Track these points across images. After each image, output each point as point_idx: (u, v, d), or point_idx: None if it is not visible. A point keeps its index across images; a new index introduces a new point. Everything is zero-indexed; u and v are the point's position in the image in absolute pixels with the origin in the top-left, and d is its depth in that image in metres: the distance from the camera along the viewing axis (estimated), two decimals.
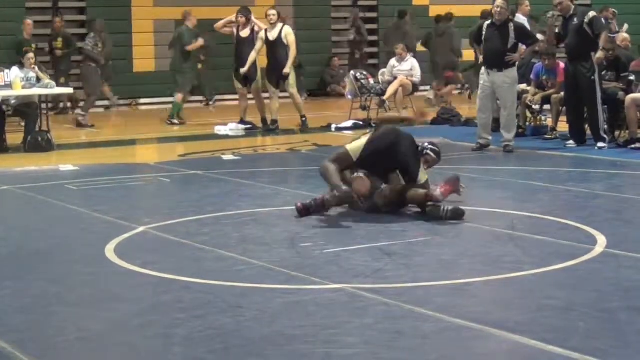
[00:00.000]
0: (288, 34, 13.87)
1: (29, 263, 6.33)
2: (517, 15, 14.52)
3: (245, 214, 7.76)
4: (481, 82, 11.45)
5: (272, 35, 13.87)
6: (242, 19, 14.02)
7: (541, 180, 9.44)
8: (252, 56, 13.93)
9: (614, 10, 17.51)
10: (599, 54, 11.05)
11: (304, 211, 7.52)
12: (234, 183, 9.44)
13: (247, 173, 10.12)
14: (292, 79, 14.05)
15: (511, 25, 11.29)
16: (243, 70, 13.91)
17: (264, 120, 14.38)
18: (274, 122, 14.17)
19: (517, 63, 11.33)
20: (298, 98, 14.27)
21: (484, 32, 11.35)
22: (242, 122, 14.40)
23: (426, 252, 6.44)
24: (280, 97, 14.24)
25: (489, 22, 11.41)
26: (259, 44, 13.94)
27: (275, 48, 13.85)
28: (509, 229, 7.05)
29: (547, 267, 5.92)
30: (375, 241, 6.70)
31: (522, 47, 11.42)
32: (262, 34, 13.98)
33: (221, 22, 14.36)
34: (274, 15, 13.94)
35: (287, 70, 13.81)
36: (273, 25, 13.91)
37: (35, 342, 4.75)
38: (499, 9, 11.15)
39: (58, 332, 4.90)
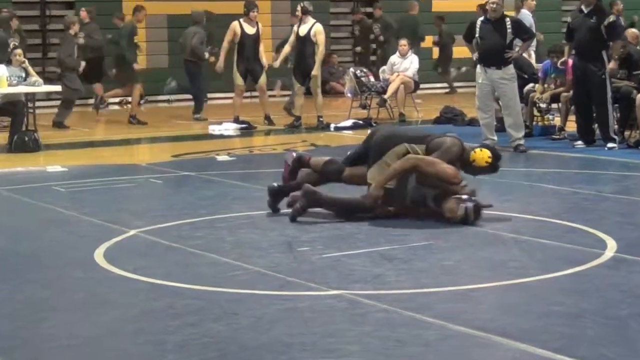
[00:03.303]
0: (318, 32, 13.98)
1: (17, 268, 6.35)
2: (522, 10, 14.60)
3: (240, 217, 7.77)
4: (478, 80, 11.48)
5: (302, 30, 14.04)
6: (255, 13, 14.16)
7: (548, 182, 9.45)
8: (286, 50, 14.29)
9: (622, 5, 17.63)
10: (611, 65, 11.16)
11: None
12: (229, 185, 9.46)
13: (242, 174, 10.14)
14: (318, 79, 14.21)
15: (507, 20, 11.32)
16: (275, 63, 14.42)
17: (267, 118, 14.54)
18: (298, 118, 14.35)
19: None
20: (320, 98, 14.41)
21: (477, 29, 11.37)
22: (237, 121, 14.44)
23: (428, 256, 6.45)
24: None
25: (482, 18, 11.47)
26: (292, 38, 14.13)
27: (303, 44, 14.01)
28: (514, 232, 7.08)
29: (554, 273, 5.94)
30: (375, 245, 6.71)
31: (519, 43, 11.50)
32: (294, 28, 14.19)
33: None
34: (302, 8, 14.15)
35: (315, 72, 14.00)
36: (301, 20, 14.06)
37: (24, 348, 4.77)
38: (494, 5, 11.15)
39: (48, 339, 4.92)
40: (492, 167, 7.75)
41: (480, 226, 7.29)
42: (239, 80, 14.34)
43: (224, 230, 7.34)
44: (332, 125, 14.34)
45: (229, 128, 14.29)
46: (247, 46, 14.16)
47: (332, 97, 18.80)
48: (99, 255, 6.55)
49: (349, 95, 16.07)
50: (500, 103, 11.72)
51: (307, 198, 7.43)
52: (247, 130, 14.25)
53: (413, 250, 6.62)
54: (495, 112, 11.73)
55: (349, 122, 14.46)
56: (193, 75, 15.38)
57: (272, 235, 7.13)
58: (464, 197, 7.35)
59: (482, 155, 7.68)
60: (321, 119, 14.35)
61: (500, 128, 11.79)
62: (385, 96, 15.27)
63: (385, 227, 7.28)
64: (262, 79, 14.40)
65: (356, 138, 12.78)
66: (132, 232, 7.27)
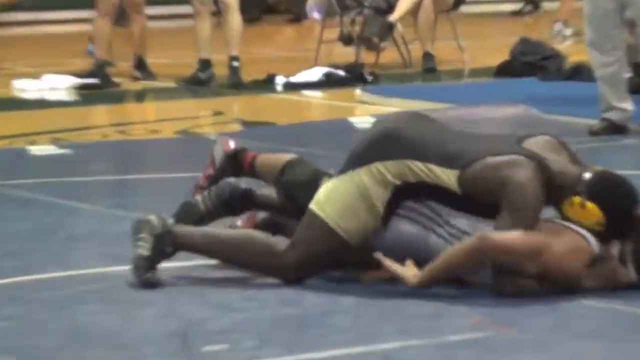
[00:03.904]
0: None
1: None
2: None
3: (83, 278, 7.80)
4: None
5: None
6: None
7: None
8: None
9: None
10: None
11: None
12: (57, 207, 9.61)
13: (86, 185, 10.17)
14: None
15: None
16: None
17: (138, 62, 15.34)
18: (205, 64, 15.03)
19: None
20: (238, 20, 14.98)
21: None
22: (94, 72, 15.03)
23: None
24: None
25: None
26: None
27: None
28: None
29: None
30: (371, 340, 6.68)
31: None
32: None
33: None
34: None
35: None
36: None
37: None
38: None
39: None
40: (618, 231, 7.68)
41: (587, 297, 7.30)
42: None
43: (46, 306, 7.31)
44: (281, 79, 14.42)
45: (58, 85, 14.49)
46: None
47: (281, 23, 18.93)
48: None
49: (315, 16, 16.20)
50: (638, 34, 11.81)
51: (157, 241, 7.58)
52: (97, 89, 14.31)
53: (454, 350, 6.59)
54: (628, 51, 11.86)
55: (314, 73, 14.56)
56: None
57: (148, 317, 7.12)
58: None
59: (585, 215, 7.58)
60: (236, 64, 14.71)
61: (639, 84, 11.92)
62: (393, 19, 15.37)
63: (390, 298, 7.28)
64: None
65: (336, 108, 12.78)
66: None
